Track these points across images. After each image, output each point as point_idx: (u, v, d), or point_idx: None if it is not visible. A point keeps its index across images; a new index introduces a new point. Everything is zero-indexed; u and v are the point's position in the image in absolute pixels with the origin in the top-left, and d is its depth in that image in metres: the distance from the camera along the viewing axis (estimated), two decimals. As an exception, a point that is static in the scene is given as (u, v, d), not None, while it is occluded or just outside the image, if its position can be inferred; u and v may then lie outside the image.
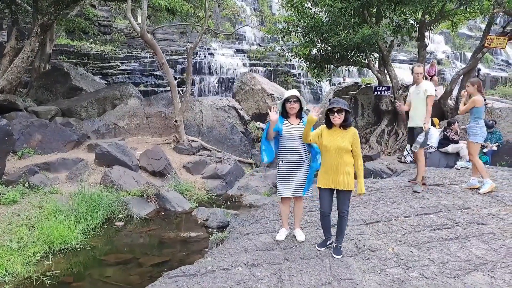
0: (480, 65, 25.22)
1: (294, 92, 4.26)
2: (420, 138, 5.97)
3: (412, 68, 5.93)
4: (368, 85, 12.94)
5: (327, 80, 12.82)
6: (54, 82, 13.02)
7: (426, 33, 11.53)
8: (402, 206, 5.64)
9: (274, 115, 4.03)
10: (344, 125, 3.84)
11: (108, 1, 14.58)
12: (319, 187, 3.96)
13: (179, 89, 12.56)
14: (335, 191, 3.94)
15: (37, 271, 4.22)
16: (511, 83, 22.44)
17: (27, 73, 13.03)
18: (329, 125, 3.91)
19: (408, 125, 6.16)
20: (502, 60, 28.45)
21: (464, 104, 5.99)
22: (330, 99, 4.07)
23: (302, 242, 4.32)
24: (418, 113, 5.85)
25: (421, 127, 5.81)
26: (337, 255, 3.94)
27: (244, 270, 3.68)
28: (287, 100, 4.17)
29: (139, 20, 12.40)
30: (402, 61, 24.48)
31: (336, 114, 3.78)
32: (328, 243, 4.11)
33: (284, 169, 4.23)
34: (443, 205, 5.64)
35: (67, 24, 15.08)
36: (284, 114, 4.26)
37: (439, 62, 24.30)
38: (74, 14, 14.70)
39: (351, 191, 3.90)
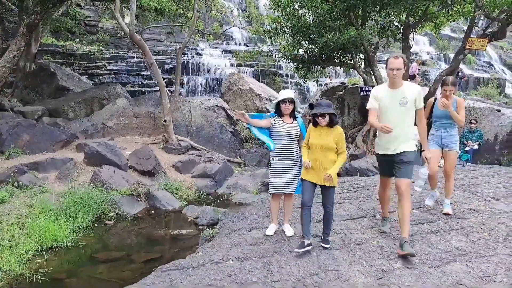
0: (463, 66, 25.86)
1: (290, 94, 4.37)
2: (423, 173, 4.98)
3: (387, 60, 3.94)
4: (354, 86, 13.20)
5: (314, 81, 13.03)
6: (40, 82, 12.90)
7: (411, 35, 11.84)
8: (387, 202, 5.83)
9: (247, 120, 4.25)
10: (331, 124, 3.96)
11: (96, 1, 14.49)
12: (302, 179, 4.06)
13: (167, 89, 12.58)
14: (318, 186, 4.06)
15: (30, 268, 4.27)
16: (493, 84, 22.99)
17: (12, 73, 12.87)
18: (316, 124, 4.04)
19: (383, 152, 4.13)
20: (484, 62, 29.09)
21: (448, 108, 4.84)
22: (313, 102, 4.37)
23: (291, 236, 4.46)
24: (406, 132, 3.96)
25: (414, 152, 4.04)
26: (326, 244, 4.07)
27: (235, 263, 3.81)
28: (282, 100, 4.30)
29: (126, 20, 12.40)
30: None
31: (320, 118, 3.92)
32: (306, 243, 3.94)
33: (276, 167, 4.35)
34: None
35: (53, 24, 14.94)
36: (279, 113, 4.40)
37: (423, 63, 24.82)
38: (60, 13, 14.57)
39: (335, 186, 4.04)
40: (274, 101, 4.44)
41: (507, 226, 4.84)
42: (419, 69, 19.45)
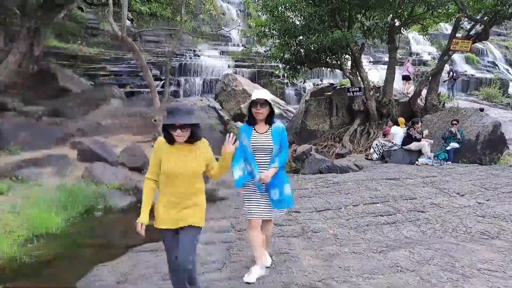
0: (467, 66, 25.84)
1: (262, 95, 3.43)
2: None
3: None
4: (342, 86, 13.58)
5: (300, 82, 13.45)
6: (42, 83, 13.43)
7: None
8: (354, 196, 6.26)
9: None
10: (192, 140, 2.82)
11: (92, 5, 15.07)
12: (160, 229, 2.93)
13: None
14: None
15: (21, 251, 4.75)
16: (495, 84, 22.79)
17: (16, 74, 13.43)
18: (171, 140, 2.79)
19: None
20: (488, 62, 28.82)
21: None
22: (168, 108, 2.82)
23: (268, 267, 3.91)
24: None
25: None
26: None
27: (199, 246, 4.26)
28: (252, 102, 3.41)
29: (128, 23, 12.92)
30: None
31: (179, 130, 2.69)
32: None
33: (250, 188, 3.57)
34: (391, 196, 6.24)
35: (54, 27, 15.49)
36: (251, 120, 3.51)
37: (424, 64, 24.94)
38: (61, 17, 15.12)
39: (200, 228, 2.93)
40: (245, 105, 3.63)
41: (460, 218, 5.21)
42: (415, 68, 19.48)
